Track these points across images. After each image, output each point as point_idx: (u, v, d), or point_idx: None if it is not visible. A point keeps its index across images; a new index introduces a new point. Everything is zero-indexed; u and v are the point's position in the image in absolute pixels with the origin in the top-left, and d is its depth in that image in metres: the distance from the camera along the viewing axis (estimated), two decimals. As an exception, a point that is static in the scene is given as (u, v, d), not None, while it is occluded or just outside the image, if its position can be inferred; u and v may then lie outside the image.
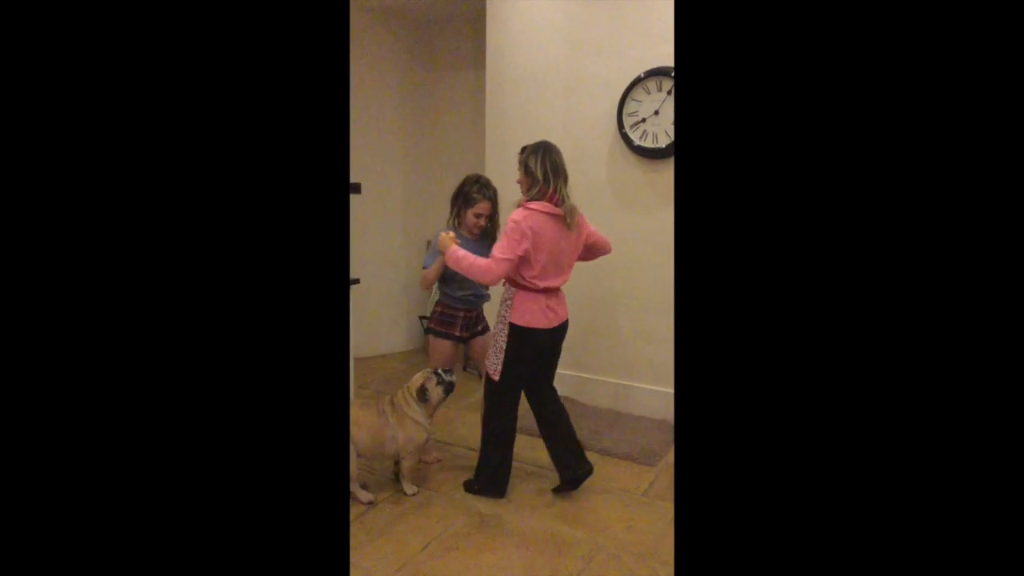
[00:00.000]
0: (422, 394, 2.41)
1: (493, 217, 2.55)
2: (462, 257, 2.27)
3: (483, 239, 2.57)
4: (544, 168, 2.20)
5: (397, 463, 2.53)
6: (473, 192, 2.49)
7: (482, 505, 2.38)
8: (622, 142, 3.20)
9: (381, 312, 4.44)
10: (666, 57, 3.04)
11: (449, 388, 2.48)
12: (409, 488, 2.45)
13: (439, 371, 2.48)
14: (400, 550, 2.07)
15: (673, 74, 3.00)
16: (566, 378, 3.35)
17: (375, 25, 4.16)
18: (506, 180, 3.58)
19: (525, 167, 2.25)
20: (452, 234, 2.38)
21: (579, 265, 2.46)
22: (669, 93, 3.03)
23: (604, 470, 2.66)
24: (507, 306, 2.32)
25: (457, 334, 2.65)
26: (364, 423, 2.38)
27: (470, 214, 2.51)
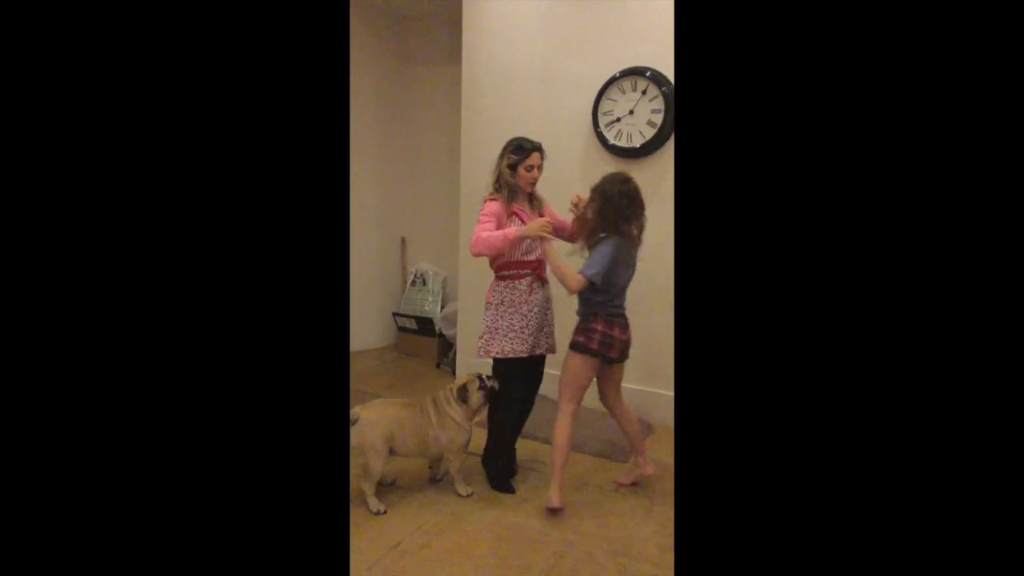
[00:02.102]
0: (462, 393, 2.40)
1: None
2: None
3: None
4: None
5: (430, 465, 2.58)
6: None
7: (454, 502, 2.38)
8: (597, 141, 3.22)
9: (354, 308, 4.40)
10: (641, 57, 3.07)
11: (492, 393, 2.44)
12: (463, 489, 2.43)
13: (482, 376, 2.45)
14: (371, 548, 2.05)
15: (648, 74, 3.02)
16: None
17: (350, 19, 4.11)
18: (482, 176, 3.57)
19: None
20: None
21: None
22: (644, 93, 3.06)
23: (575, 466, 2.68)
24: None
25: None
26: (408, 424, 2.36)
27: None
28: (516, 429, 2.56)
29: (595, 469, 2.68)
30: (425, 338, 4.43)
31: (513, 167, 2.35)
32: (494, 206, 2.35)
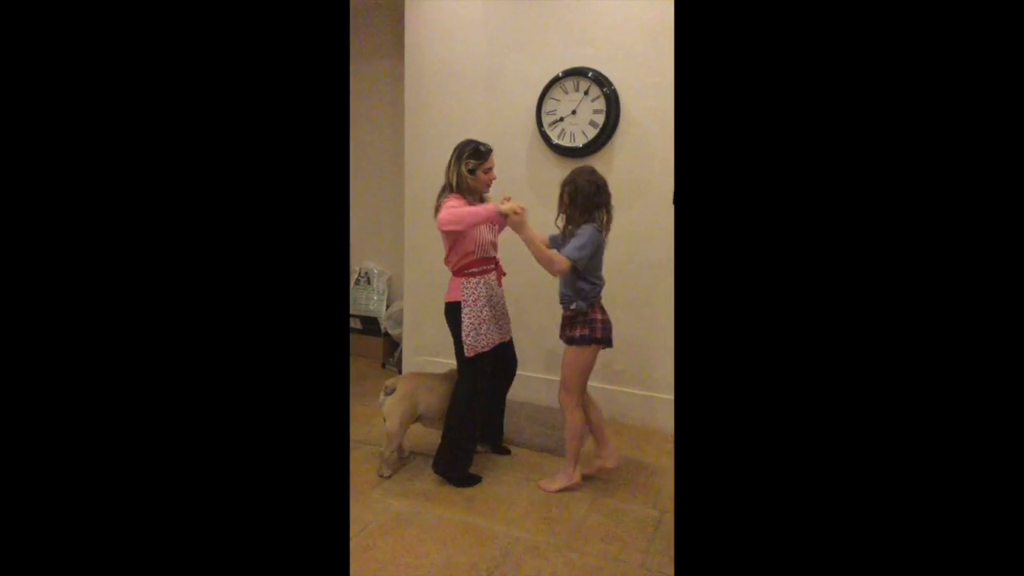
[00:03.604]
0: None
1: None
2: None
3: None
4: None
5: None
6: None
7: (399, 503, 2.36)
8: (541, 140, 3.24)
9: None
10: (584, 58, 3.11)
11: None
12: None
13: None
14: (314, 553, 2.01)
15: (590, 74, 3.07)
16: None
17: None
18: (425, 174, 3.55)
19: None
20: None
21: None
22: (586, 93, 3.10)
23: (522, 462, 2.70)
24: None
25: None
26: (437, 389, 2.57)
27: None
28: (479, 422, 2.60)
29: (539, 466, 2.71)
30: (370, 338, 4.36)
31: (473, 171, 2.40)
32: (460, 202, 2.39)
